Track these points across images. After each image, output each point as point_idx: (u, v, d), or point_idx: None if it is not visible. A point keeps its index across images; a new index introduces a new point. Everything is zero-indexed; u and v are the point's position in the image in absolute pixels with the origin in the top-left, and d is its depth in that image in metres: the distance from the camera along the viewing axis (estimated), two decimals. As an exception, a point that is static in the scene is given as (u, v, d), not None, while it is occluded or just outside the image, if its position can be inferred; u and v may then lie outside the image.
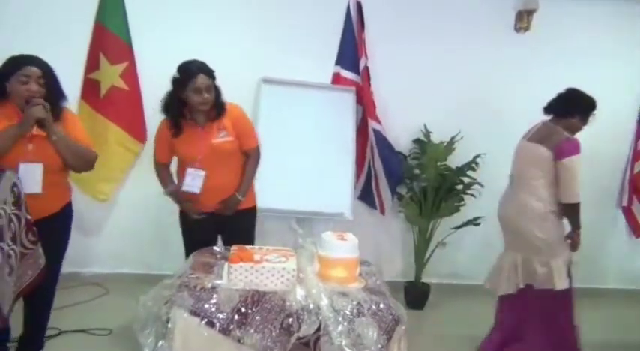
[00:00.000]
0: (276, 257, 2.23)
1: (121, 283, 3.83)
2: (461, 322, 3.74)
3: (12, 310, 2.11)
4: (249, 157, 2.92)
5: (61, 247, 2.63)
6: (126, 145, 3.81)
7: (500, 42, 4.17)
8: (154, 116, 3.83)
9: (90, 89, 3.75)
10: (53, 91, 2.45)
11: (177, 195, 2.88)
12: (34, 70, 2.39)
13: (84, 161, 2.55)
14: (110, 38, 3.72)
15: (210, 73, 2.74)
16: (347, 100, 3.94)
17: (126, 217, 3.99)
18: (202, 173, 2.78)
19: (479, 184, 3.98)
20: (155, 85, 3.77)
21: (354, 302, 2.07)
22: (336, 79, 4.02)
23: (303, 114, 3.87)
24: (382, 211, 4.13)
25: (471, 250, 4.27)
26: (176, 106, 2.77)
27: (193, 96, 2.71)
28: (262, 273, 2.13)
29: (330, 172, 3.79)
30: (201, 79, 2.70)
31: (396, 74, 4.08)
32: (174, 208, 3.90)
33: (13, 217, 2.02)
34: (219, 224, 2.88)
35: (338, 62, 4.02)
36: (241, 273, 2.13)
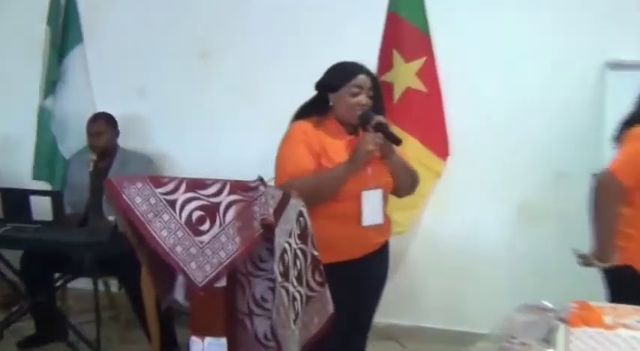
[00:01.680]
0: (638, 321, 2.01)
1: (418, 339, 3.97)
2: None
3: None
4: None
5: (379, 294, 2.78)
6: (426, 163, 3.90)
7: None
8: (455, 124, 3.94)
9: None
10: (378, 105, 2.69)
11: None
12: (366, 81, 2.64)
13: (414, 182, 2.78)
14: (405, 30, 3.93)
15: None
16: None
17: (426, 254, 4.12)
18: None
19: None
20: (456, 85, 3.93)
21: None
22: None
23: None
24: None
25: None
26: None
27: None
28: (618, 345, 1.94)
29: None
30: None
31: None
32: (487, 244, 3.88)
33: (298, 252, 2.23)
34: None
35: None
36: (585, 342, 1.97)
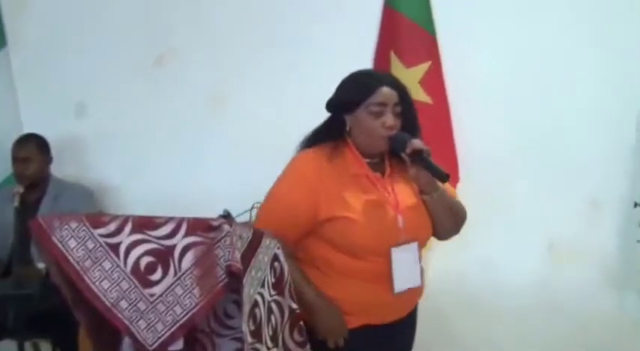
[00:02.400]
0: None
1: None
2: None
3: None
4: None
5: None
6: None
7: None
8: (467, 143, 3.97)
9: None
10: (411, 124, 2.52)
11: None
12: (391, 94, 2.46)
13: (462, 221, 2.67)
14: (405, 29, 3.98)
15: None
16: None
17: (443, 302, 4.09)
18: None
19: None
20: (468, 96, 3.95)
21: None
22: None
23: None
24: None
25: None
26: None
27: None
28: None
29: None
30: None
31: None
32: (510, 289, 3.88)
33: (273, 305, 2.23)
34: None
35: None
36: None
